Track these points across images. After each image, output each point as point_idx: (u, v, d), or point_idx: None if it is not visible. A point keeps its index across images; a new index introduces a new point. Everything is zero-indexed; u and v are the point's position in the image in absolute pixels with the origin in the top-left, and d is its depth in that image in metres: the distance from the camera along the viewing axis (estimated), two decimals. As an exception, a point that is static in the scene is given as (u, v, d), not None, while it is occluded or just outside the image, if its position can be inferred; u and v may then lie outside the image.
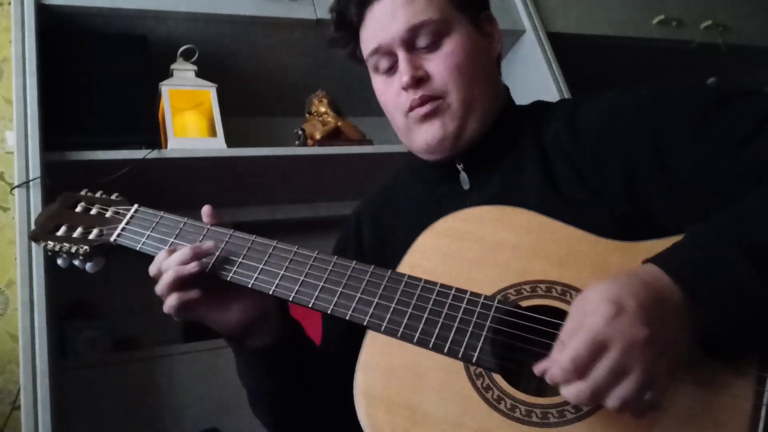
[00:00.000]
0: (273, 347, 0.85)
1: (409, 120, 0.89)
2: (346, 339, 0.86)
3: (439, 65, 0.87)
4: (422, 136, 0.89)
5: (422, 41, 0.87)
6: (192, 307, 0.81)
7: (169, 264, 0.80)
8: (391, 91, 0.91)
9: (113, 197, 0.95)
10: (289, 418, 0.90)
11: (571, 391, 0.58)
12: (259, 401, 0.91)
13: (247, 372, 0.88)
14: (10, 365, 1.42)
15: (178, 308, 0.79)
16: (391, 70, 0.90)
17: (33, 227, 0.94)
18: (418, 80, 0.87)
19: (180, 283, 0.79)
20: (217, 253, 0.84)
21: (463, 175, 0.92)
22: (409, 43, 0.88)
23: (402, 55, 0.88)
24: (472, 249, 0.77)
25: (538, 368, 0.61)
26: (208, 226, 0.87)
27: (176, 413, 1.44)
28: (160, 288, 0.80)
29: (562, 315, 0.65)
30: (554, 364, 0.59)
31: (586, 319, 0.59)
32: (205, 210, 0.89)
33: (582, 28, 2.08)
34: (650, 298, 0.60)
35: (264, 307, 0.84)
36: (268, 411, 0.90)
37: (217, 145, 1.57)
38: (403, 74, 0.87)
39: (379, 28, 0.89)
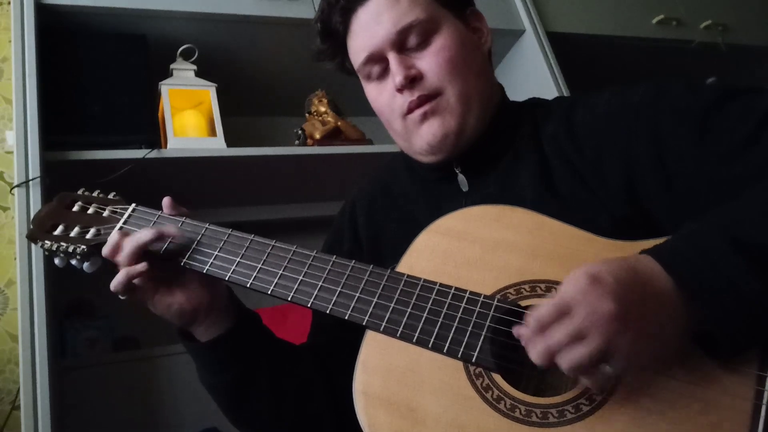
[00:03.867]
0: (215, 341, 0.85)
1: (407, 123, 0.88)
2: (337, 331, 0.86)
3: (431, 62, 0.86)
4: (423, 137, 0.88)
5: (412, 42, 0.87)
6: (138, 287, 0.81)
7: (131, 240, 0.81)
8: (385, 95, 0.89)
9: (110, 196, 0.95)
10: (242, 410, 0.89)
11: (532, 352, 0.61)
12: (212, 395, 0.90)
13: (197, 367, 0.88)
14: (9, 365, 1.42)
15: (125, 284, 0.80)
16: (383, 75, 0.89)
17: (30, 227, 0.94)
18: (412, 79, 0.86)
19: (138, 258, 0.80)
20: (216, 252, 0.84)
21: (462, 178, 0.91)
22: (399, 45, 0.87)
23: (393, 57, 0.86)
24: (471, 249, 0.76)
25: (515, 330, 0.63)
26: (207, 225, 0.87)
27: (176, 413, 1.44)
28: (122, 257, 0.81)
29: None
30: (524, 325, 0.62)
31: (562, 288, 0.61)
32: (165, 201, 0.89)
33: (582, 28, 2.08)
34: (631, 278, 0.61)
35: (208, 298, 0.84)
36: (221, 404, 0.90)
37: (216, 145, 1.57)
38: (396, 75, 0.86)
39: (367, 35, 0.88)
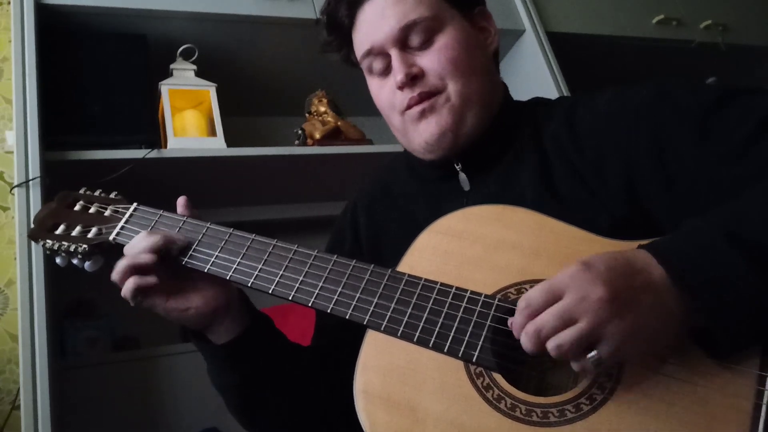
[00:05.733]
0: (234, 341, 0.84)
1: (405, 119, 0.89)
2: (339, 332, 0.86)
3: (432, 60, 0.86)
4: (420, 135, 0.88)
5: (415, 39, 0.87)
6: (149, 293, 0.80)
7: (132, 249, 0.81)
8: (386, 91, 0.90)
9: (112, 196, 0.95)
10: (256, 413, 0.89)
11: (524, 337, 0.61)
12: (226, 398, 0.89)
13: (212, 369, 0.88)
14: (10, 365, 1.42)
15: (134, 292, 0.79)
16: (386, 71, 0.90)
17: (31, 226, 0.94)
18: (413, 77, 0.86)
19: (136, 270, 0.79)
20: (217, 252, 0.84)
21: (462, 176, 0.91)
22: (402, 42, 0.87)
23: (395, 55, 0.87)
24: (472, 248, 0.76)
25: (509, 321, 0.64)
26: (208, 225, 0.87)
27: (176, 413, 1.44)
28: (115, 274, 0.80)
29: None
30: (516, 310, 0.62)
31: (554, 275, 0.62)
32: (180, 201, 0.89)
33: (582, 28, 2.08)
34: (622, 267, 0.61)
35: (225, 299, 0.84)
36: (235, 407, 0.89)
37: (216, 145, 1.57)
38: (397, 73, 0.86)
39: (371, 29, 0.88)
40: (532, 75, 1.96)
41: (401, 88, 0.87)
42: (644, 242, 0.66)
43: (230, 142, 1.58)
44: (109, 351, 1.55)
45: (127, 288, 0.79)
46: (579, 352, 0.59)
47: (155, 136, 1.52)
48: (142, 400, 1.43)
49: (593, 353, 0.59)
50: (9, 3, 1.57)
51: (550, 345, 0.59)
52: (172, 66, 1.66)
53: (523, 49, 2.01)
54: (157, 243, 0.81)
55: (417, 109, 0.87)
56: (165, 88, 1.60)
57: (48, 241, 0.89)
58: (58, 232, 0.90)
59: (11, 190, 1.47)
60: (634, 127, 0.79)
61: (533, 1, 2.03)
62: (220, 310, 0.84)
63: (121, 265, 0.80)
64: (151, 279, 0.80)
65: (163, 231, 0.85)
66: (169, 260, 0.83)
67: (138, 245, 0.81)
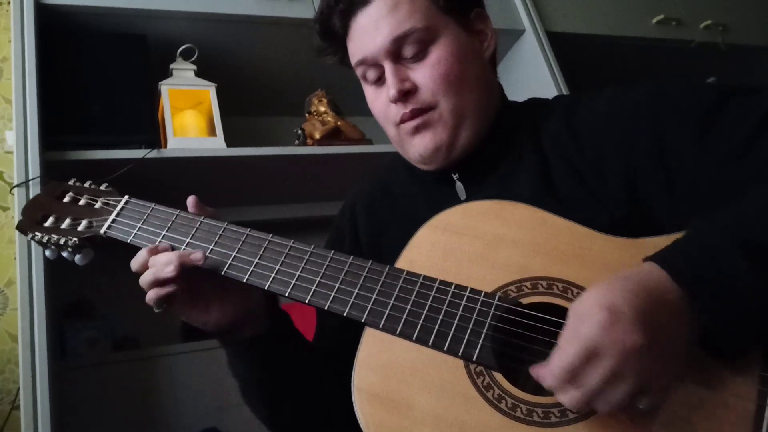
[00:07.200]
0: (259, 339, 0.84)
1: (400, 131, 0.89)
2: (341, 333, 0.85)
3: (426, 75, 0.85)
4: (415, 148, 0.88)
5: (408, 51, 0.86)
6: (173, 302, 0.80)
7: (153, 263, 0.79)
8: (380, 101, 0.90)
9: (102, 188, 0.92)
10: (281, 408, 0.88)
11: (565, 398, 0.59)
12: (249, 393, 0.89)
13: (235, 364, 0.87)
14: (9, 365, 1.42)
15: (157, 302, 0.79)
16: (380, 81, 0.89)
17: (20, 218, 0.92)
18: (406, 93, 0.85)
19: (160, 283, 0.78)
20: (211, 246, 0.83)
21: (459, 186, 0.91)
22: (395, 54, 0.86)
23: (388, 68, 0.86)
24: (472, 245, 0.76)
25: (533, 370, 0.61)
26: (201, 219, 0.85)
27: (176, 413, 1.43)
28: (143, 282, 0.79)
29: (563, 312, 0.64)
30: (548, 371, 0.59)
31: (580, 327, 0.59)
32: (190, 201, 0.88)
33: (582, 28, 2.08)
34: (646, 302, 0.59)
35: (247, 306, 0.83)
36: (260, 402, 0.89)
37: (216, 145, 1.57)
38: (390, 88, 0.85)
39: (364, 39, 0.87)
40: (532, 75, 1.96)
41: (394, 102, 0.86)
42: (646, 240, 0.66)
43: (230, 142, 1.58)
44: (109, 351, 1.55)
45: (149, 297, 0.79)
46: (630, 405, 0.58)
47: (155, 136, 1.51)
48: (142, 400, 1.43)
49: (645, 401, 0.58)
50: (9, 3, 1.57)
51: (603, 409, 0.58)
52: (172, 66, 1.66)
53: (523, 49, 2.01)
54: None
55: (411, 124, 0.86)
56: (165, 88, 1.60)
57: (37, 233, 0.88)
58: (47, 224, 0.89)
59: (11, 190, 1.47)
60: (635, 127, 0.79)
61: (533, 1, 2.03)
62: (238, 320, 0.83)
63: (146, 280, 0.79)
64: (170, 288, 0.78)
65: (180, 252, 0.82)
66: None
67: (159, 260, 0.79)
